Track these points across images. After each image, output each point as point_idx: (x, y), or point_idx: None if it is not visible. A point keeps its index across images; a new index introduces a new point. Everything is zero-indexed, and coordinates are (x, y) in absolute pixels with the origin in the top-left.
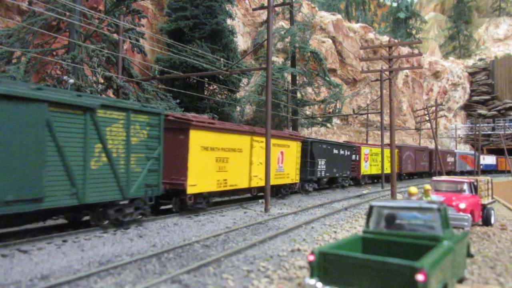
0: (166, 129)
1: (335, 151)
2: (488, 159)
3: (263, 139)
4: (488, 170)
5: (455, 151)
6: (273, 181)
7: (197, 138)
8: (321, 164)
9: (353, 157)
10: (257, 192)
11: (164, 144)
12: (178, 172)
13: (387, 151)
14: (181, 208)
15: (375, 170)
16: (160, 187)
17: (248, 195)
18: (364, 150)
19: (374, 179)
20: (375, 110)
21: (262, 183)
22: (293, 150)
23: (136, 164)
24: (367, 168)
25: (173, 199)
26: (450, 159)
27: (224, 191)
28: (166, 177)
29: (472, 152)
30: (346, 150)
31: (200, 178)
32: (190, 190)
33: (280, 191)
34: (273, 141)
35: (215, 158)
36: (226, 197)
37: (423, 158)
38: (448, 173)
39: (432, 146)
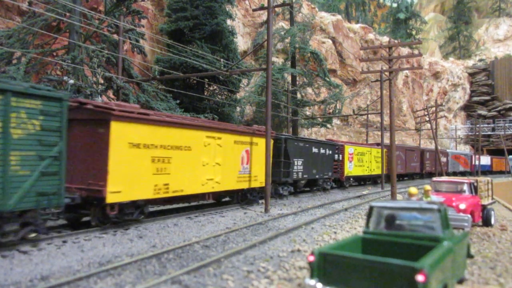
0: (81, 121)
1: (315, 150)
2: (482, 160)
3: (221, 135)
4: (482, 171)
5: (447, 150)
6: (235, 185)
7: (122, 133)
8: (298, 164)
9: (336, 156)
10: (217, 198)
11: (79, 140)
12: (96, 176)
13: (374, 151)
14: (101, 221)
15: (360, 171)
16: (62, 196)
17: (207, 202)
18: (349, 149)
19: (360, 181)
20: (375, 110)
21: (220, 187)
22: (262, 148)
23: (21, 165)
24: (351, 168)
25: (91, 210)
26: (442, 159)
27: (166, 199)
28: (83, 182)
29: (466, 151)
30: (327, 149)
31: (128, 183)
32: (111, 198)
33: (246, 197)
34: (234, 137)
35: (151, 158)
36: (172, 205)
37: (413, 159)
38: (440, 174)
39: (424, 145)
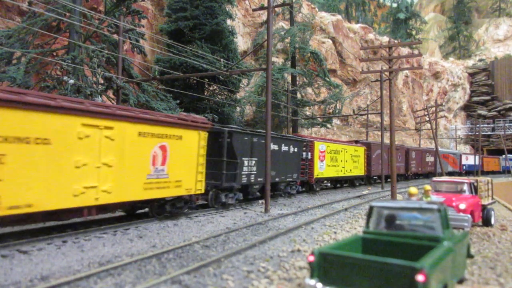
0: None
1: (274, 147)
2: (472, 159)
3: (113, 123)
4: (472, 172)
5: (441, 149)
6: (141, 194)
7: None
8: (249, 165)
9: (304, 155)
10: (127, 211)
11: None
12: None
13: (351, 149)
14: None
15: (334, 172)
16: None
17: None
18: (319, 146)
19: (336, 183)
20: (375, 110)
21: (112, 198)
22: (189, 144)
23: None
24: (323, 169)
25: None
26: (429, 158)
27: None
28: None
29: (455, 150)
30: (292, 146)
31: None
32: None
33: (164, 209)
34: (137, 127)
35: None
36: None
37: (397, 159)
38: (427, 175)
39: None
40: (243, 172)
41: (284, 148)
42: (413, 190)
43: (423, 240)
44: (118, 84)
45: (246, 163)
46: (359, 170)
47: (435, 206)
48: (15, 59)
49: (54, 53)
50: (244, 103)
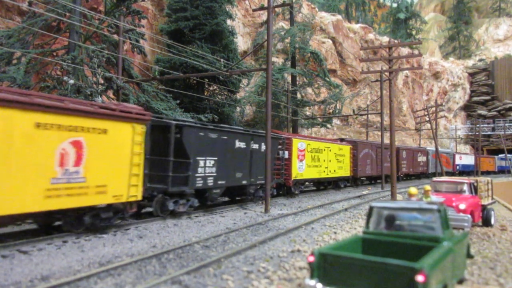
0: None
1: (239, 145)
2: (466, 159)
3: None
4: (467, 172)
5: (427, 148)
6: (45, 204)
7: None
8: (206, 165)
9: (280, 154)
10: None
11: None
12: None
13: (335, 148)
14: None
15: (315, 173)
16: None
17: None
18: (299, 144)
19: (320, 185)
20: (375, 110)
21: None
22: (119, 139)
23: None
24: (302, 170)
25: None
26: (421, 158)
27: None
28: None
29: (448, 150)
30: (264, 143)
31: None
32: None
33: (82, 222)
34: (33, 117)
35: None
36: None
37: (387, 158)
38: (419, 176)
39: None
40: (198, 174)
41: (254, 146)
42: (413, 190)
43: (423, 241)
44: (118, 84)
45: (202, 163)
46: (344, 170)
47: (435, 207)
48: (15, 59)
49: (54, 53)
50: (244, 103)
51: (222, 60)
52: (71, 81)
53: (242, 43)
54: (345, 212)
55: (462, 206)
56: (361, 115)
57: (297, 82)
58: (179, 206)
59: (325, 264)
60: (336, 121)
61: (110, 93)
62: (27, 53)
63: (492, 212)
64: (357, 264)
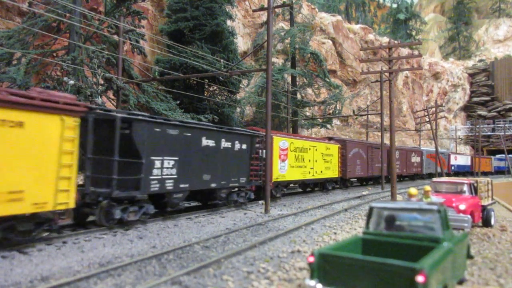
0: None
1: (207, 143)
2: (461, 159)
3: None
4: (462, 172)
5: (422, 149)
6: None
7: None
8: (163, 166)
9: (260, 153)
10: None
11: None
12: None
13: (322, 147)
14: None
15: (300, 174)
16: None
17: None
18: (280, 143)
19: (306, 187)
20: (375, 111)
21: None
22: (41, 134)
23: None
24: (284, 170)
25: None
26: (415, 159)
27: None
28: None
29: (443, 150)
30: (237, 142)
31: None
32: None
33: None
34: None
35: None
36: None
37: (378, 159)
38: (412, 177)
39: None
40: (153, 177)
41: (225, 144)
42: (413, 191)
43: (423, 241)
44: (118, 84)
45: (158, 164)
46: (332, 171)
47: (435, 207)
48: (15, 59)
49: (54, 54)
50: (244, 103)
51: (222, 60)
52: (71, 82)
53: (242, 43)
54: (345, 212)
55: (462, 207)
56: (361, 115)
57: (297, 83)
58: (128, 214)
59: (325, 265)
60: (336, 121)
61: (110, 93)
62: (27, 54)
63: (492, 213)
64: (357, 264)
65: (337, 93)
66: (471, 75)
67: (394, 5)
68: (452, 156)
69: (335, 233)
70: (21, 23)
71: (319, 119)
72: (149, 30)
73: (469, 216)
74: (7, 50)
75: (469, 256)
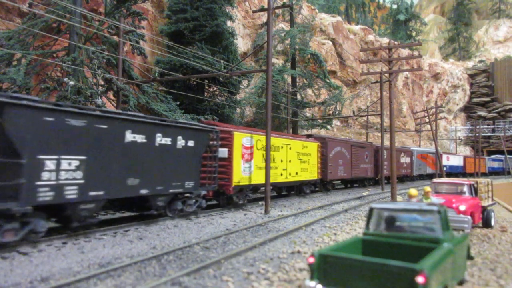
0: None
1: (134, 138)
2: (454, 160)
3: None
4: (454, 174)
5: (412, 148)
6: None
7: None
8: (60, 168)
9: (221, 153)
10: None
11: None
12: None
13: (297, 145)
14: None
15: (263, 177)
16: None
17: None
18: (243, 140)
19: (280, 191)
20: (375, 112)
21: None
22: None
23: None
24: (249, 173)
25: None
26: (405, 159)
27: None
28: None
29: (433, 149)
30: (182, 137)
31: None
32: None
33: None
34: None
35: None
36: None
37: (364, 159)
38: (402, 179)
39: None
40: (42, 182)
41: (162, 140)
42: (413, 191)
43: (423, 242)
44: (118, 85)
45: (50, 165)
46: (309, 173)
47: (435, 208)
48: (15, 60)
49: (54, 55)
50: (244, 104)
51: (222, 61)
52: (71, 83)
53: (242, 44)
54: (345, 213)
55: (462, 208)
56: (361, 116)
57: (297, 83)
58: (3, 233)
59: (325, 266)
60: (336, 122)
61: (110, 94)
62: (27, 55)
63: (492, 214)
64: (357, 265)
65: (337, 93)
66: (471, 76)
67: (394, 6)
68: (444, 156)
69: (335, 234)
70: (21, 24)
71: (319, 120)
72: (149, 31)
73: (469, 217)
74: (7, 51)
75: (469, 257)
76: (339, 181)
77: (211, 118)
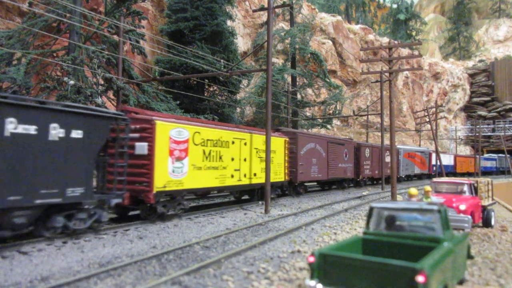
0: None
1: None
2: (443, 159)
3: None
4: (445, 173)
5: (398, 147)
6: None
7: None
8: None
9: (138, 148)
10: None
11: None
12: None
13: (255, 140)
14: None
15: (214, 180)
16: None
17: None
18: (172, 132)
19: (241, 196)
20: (375, 111)
21: None
22: None
23: None
24: (180, 174)
25: None
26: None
27: None
28: None
29: (424, 148)
30: (58, 125)
31: None
32: None
33: None
34: None
35: None
36: None
37: (342, 157)
38: (387, 180)
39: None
40: None
41: (15, 128)
42: (413, 191)
43: (423, 241)
44: (118, 85)
45: None
46: (274, 173)
47: (435, 207)
48: (15, 60)
49: (54, 54)
50: (244, 103)
51: (222, 60)
52: (71, 82)
53: (242, 43)
54: (345, 212)
55: (462, 207)
56: (361, 115)
57: (297, 83)
58: None
59: (325, 265)
60: (336, 122)
61: (110, 94)
62: (27, 54)
63: (492, 213)
64: (357, 264)
65: (337, 93)
66: (471, 76)
67: (394, 6)
68: (434, 155)
69: (335, 233)
70: (21, 23)
71: (319, 119)
72: (149, 30)
73: (469, 217)
74: (7, 50)
75: (470, 256)
76: (315, 183)
77: (211, 117)
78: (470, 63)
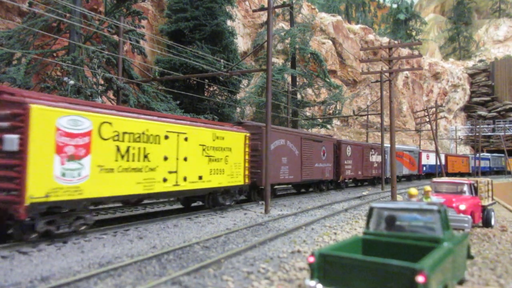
0: None
1: None
2: (434, 158)
3: None
4: (433, 174)
5: (385, 145)
6: None
7: None
8: None
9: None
10: None
11: None
12: None
13: (204, 134)
14: None
15: (134, 185)
16: None
17: None
18: (60, 121)
19: (189, 204)
20: (375, 111)
21: None
22: None
23: None
24: (76, 179)
25: None
26: (375, 158)
27: None
28: None
29: (413, 147)
30: None
31: None
32: None
33: None
34: None
35: None
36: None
37: (319, 156)
38: (372, 181)
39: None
40: None
41: None
42: (413, 191)
43: (423, 241)
44: (118, 85)
45: None
46: (229, 176)
47: (435, 207)
48: (15, 59)
49: (54, 54)
50: (244, 103)
51: (222, 60)
52: (71, 82)
53: (242, 43)
54: (345, 213)
55: (462, 207)
56: (361, 115)
57: (297, 83)
58: None
59: (325, 265)
60: (336, 121)
61: (110, 93)
62: (27, 54)
63: (492, 213)
64: (357, 264)
65: (337, 93)
66: (471, 76)
67: (394, 6)
68: (424, 155)
69: (335, 233)
70: (21, 23)
71: (319, 119)
72: (149, 30)
73: (469, 217)
74: (7, 50)
75: (469, 257)
76: (289, 185)
77: (211, 117)
78: (470, 63)
